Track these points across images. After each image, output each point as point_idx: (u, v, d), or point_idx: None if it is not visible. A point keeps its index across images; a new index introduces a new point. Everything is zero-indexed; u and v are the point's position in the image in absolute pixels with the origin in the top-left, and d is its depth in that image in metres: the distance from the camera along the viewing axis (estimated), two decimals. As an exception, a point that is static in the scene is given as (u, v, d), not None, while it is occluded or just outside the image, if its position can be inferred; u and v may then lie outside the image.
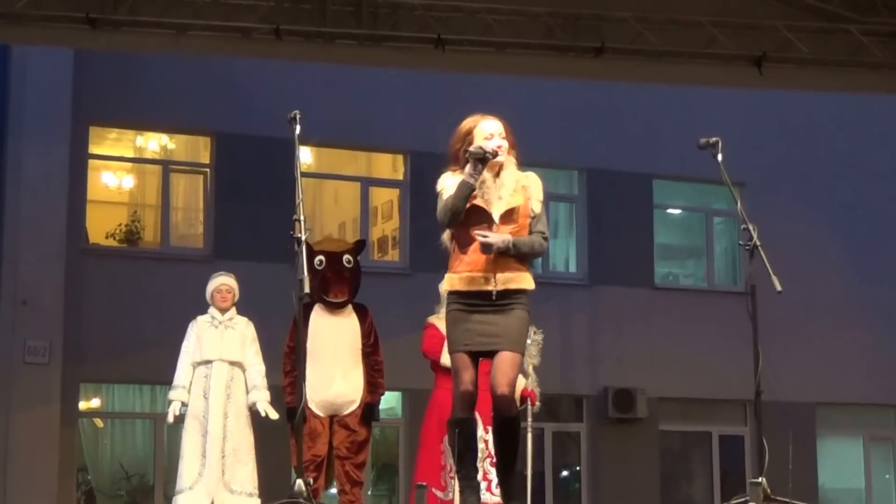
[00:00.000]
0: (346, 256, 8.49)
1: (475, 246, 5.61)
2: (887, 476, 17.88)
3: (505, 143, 5.73)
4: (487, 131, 5.74)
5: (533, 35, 11.50)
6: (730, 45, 11.70)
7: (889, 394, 17.03)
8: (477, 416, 6.02)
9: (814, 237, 16.95)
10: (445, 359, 8.43)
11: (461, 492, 5.81)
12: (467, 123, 5.83)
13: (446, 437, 8.33)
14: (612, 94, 15.75)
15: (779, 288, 6.18)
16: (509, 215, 5.67)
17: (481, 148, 5.60)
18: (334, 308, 8.34)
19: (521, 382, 8.76)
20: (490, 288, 5.60)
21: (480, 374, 5.72)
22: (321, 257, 8.35)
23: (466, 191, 5.58)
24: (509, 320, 5.62)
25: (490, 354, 5.65)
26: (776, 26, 11.76)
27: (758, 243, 6.37)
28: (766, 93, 14.78)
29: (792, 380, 15.48)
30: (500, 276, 5.60)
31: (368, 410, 8.34)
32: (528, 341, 9.03)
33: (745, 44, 11.76)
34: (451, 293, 5.72)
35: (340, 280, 8.33)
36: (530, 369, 9.19)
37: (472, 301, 5.63)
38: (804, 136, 17.34)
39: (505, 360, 5.59)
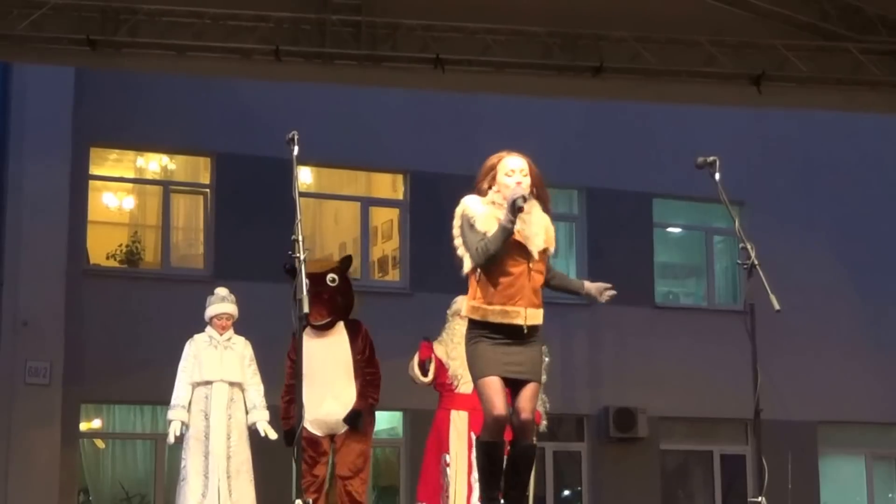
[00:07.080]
0: (330, 276, 8.42)
1: (510, 280, 5.70)
2: (890, 495, 17.84)
3: (526, 181, 5.77)
4: (510, 167, 5.80)
5: (532, 55, 11.51)
6: (728, 63, 11.72)
7: (891, 412, 16.99)
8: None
9: (813, 255, 16.93)
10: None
11: None
12: (492, 159, 5.90)
13: (445, 455, 8.36)
14: (611, 113, 15.77)
15: (777, 307, 6.19)
16: (542, 252, 5.83)
17: (524, 198, 5.63)
18: (319, 329, 8.30)
19: None
20: (520, 322, 5.70)
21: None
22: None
23: (506, 236, 5.65)
24: (533, 353, 5.81)
25: (511, 382, 5.76)
26: (775, 45, 11.78)
27: (756, 262, 6.37)
28: (765, 111, 14.78)
29: (794, 398, 15.48)
30: (530, 311, 5.73)
31: (352, 416, 8.25)
32: None
33: (743, 63, 11.78)
34: (477, 322, 5.77)
35: (318, 302, 8.08)
36: None
37: (500, 334, 5.72)
38: (803, 154, 17.34)
39: (532, 390, 5.79)
